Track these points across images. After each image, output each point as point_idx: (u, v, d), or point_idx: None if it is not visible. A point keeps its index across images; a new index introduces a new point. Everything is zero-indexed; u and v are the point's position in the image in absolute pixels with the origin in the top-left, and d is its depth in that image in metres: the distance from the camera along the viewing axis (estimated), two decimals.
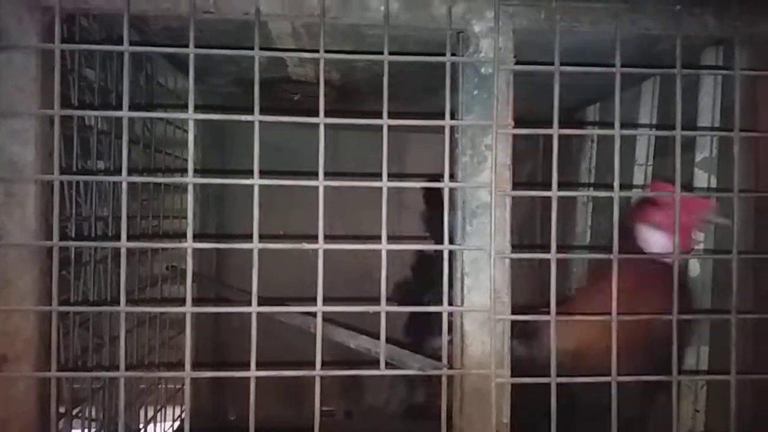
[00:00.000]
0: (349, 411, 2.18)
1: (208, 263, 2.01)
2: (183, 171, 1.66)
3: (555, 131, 0.87)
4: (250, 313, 0.81)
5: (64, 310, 0.81)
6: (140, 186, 1.49)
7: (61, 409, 1.07)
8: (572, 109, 1.94)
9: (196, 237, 0.82)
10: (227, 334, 2.06)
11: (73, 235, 1.12)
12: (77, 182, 1.17)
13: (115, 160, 1.29)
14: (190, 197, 0.81)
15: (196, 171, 0.82)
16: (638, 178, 1.66)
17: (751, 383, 1.05)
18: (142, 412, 1.55)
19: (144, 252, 1.51)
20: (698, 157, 1.39)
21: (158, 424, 1.66)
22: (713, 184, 1.36)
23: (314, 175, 0.81)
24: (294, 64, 1.23)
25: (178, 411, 1.72)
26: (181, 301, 0.81)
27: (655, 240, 1.21)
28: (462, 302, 0.89)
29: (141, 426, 1.54)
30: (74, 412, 1.09)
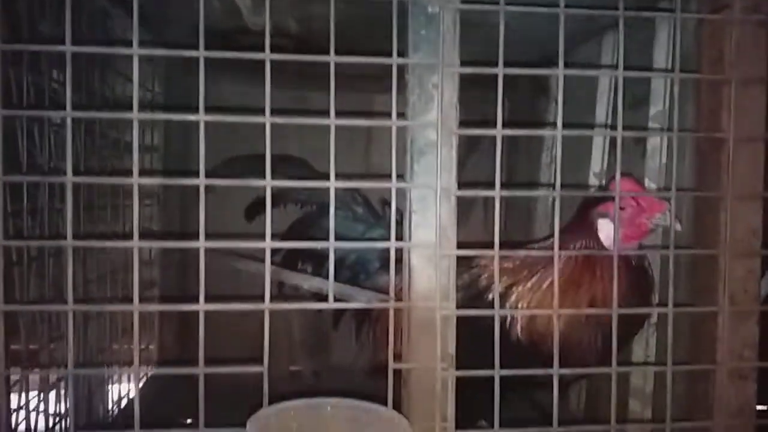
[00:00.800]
0: (317, 371, 2.21)
1: (172, 223, 2.00)
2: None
3: (500, 70, 0.88)
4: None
5: (10, 244, 0.80)
6: (98, 142, 1.48)
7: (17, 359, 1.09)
8: (534, 63, 1.95)
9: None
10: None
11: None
12: (30, 131, 1.16)
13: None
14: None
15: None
16: (598, 140, 1.69)
17: (692, 323, 1.10)
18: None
19: (103, 208, 1.50)
20: (652, 111, 1.43)
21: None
22: (665, 137, 1.39)
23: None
24: (248, 11, 1.23)
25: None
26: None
27: (607, 232, 1.24)
28: (409, 238, 0.91)
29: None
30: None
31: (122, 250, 1.55)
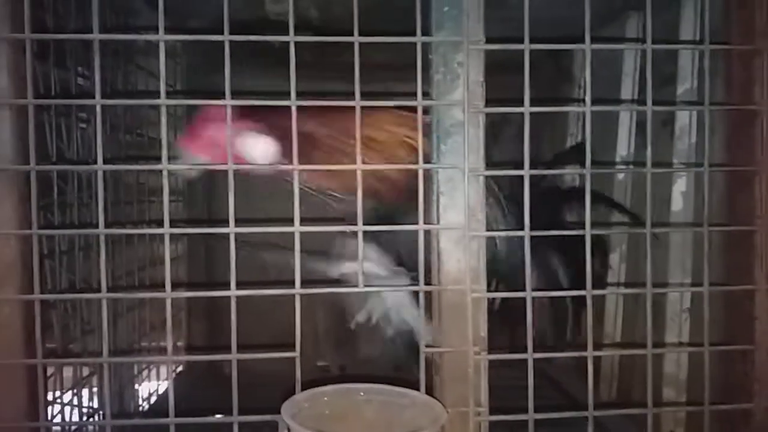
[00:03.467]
0: (343, 365, 2.20)
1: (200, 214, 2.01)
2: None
3: (526, 46, 0.87)
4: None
5: (44, 233, 0.81)
6: (124, 137, 1.50)
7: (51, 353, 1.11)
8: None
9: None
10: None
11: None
12: (58, 126, 1.18)
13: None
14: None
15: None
16: (624, 116, 1.66)
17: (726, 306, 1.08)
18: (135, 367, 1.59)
19: (129, 203, 1.51)
20: (680, 89, 1.40)
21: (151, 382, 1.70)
22: (694, 114, 1.37)
23: None
24: (270, 1, 1.23)
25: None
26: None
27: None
28: (438, 221, 0.90)
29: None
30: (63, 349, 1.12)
31: (149, 247, 1.57)
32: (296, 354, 0.83)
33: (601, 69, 1.61)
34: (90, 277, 1.24)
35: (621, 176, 1.65)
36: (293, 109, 0.83)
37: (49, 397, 1.10)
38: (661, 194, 1.41)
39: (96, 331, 1.23)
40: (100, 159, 0.79)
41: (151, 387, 1.69)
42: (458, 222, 0.89)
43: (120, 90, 1.49)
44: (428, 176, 0.90)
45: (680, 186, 1.41)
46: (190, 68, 1.93)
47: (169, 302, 0.83)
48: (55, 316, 1.12)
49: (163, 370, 1.73)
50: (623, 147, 1.67)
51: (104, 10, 1.36)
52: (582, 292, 0.91)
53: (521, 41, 0.86)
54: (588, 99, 0.89)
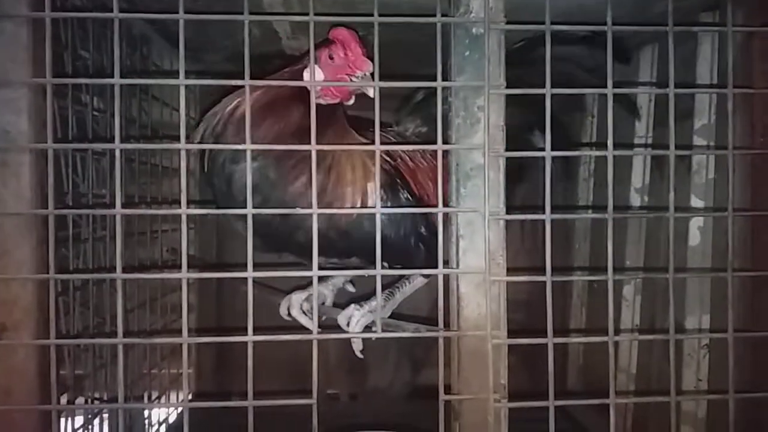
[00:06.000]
0: (354, 394, 2.18)
1: (209, 247, 2.01)
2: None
3: (548, 91, 0.87)
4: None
5: (61, 278, 0.80)
6: (138, 168, 1.50)
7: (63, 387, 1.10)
8: (570, 78, 1.91)
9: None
10: (230, 319, 2.05)
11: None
12: (74, 160, 1.17)
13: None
14: (183, 163, 0.81)
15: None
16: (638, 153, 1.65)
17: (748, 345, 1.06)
18: (145, 396, 1.58)
19: (143, 233, 1.52)
20: (697, 125, 1.39)
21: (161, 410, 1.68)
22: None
23: None
24: (287, 36, 1.23)
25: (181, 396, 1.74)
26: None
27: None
28: (457, 264, 0.89)
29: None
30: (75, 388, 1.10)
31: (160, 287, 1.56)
32: (313, 401, 0.82)
33: (616, 101, 1.61)
34: (103, 308, 1.24)
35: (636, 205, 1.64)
36: (313, 153, 0.82)
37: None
38: (678, 228, 1.39)
39: (107, 366, 1.23)
40: (118, 204, 0.78)
41: (162, 415, 1.68)
42: (478, 266, 0.88)
43: (135, 118, 1.50)
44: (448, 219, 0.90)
45: (698, 220, 1.39)
46: (204, 97, 1.94)
47: (185, 347, 0.82)
48: (67, 351, 1.11)
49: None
50: (638, 179, 1.66)
51: (121, 43, 1.37)
52: (604, 338, 0.89)
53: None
54: (610, 143, 0.88)
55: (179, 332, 0.79)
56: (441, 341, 0.87)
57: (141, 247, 1.53)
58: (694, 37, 1.37)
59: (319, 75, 1.11)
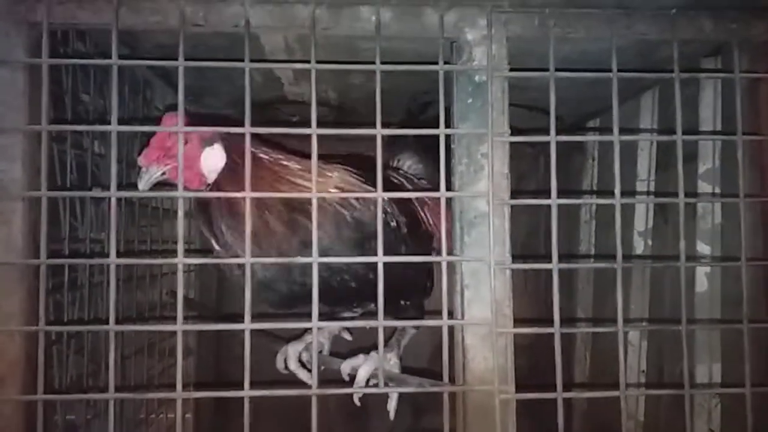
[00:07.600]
0: None
1: (209, 292, 1.99)
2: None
3: (552, 138, 0.85)
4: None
5: (51, 330, 0.78)
6: (137, 211, 1.48)
7: None
8: (572, 125, 1.92)
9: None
10: (228, 363, 2.02)
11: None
12: (72, 204, 1.16)
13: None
14: (180, 212, 0.79)
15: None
16: (642, 188, 1.63)
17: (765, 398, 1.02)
18: None
19: (143, 277, 1.49)
20: (701, 169, 1.37)
21: None
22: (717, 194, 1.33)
23: None
24: (289, 83, 1.23)
25: None
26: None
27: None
28: (462, 315, 0.86)
29: None
30: None
31: (158, 321, 1.53)
32: None
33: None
34: (98, 356, 1.20)
35: (639, 251, 1.61)
36: (314, 201, 0.80)
37: None
38: (685, 275, 1.36)
39: (101, 415, 1.18)
40: (112, 254, 0.76)
41: None
42: (484, 317, 0.85)
43: (134, 161, 1.48)
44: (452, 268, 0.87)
45: (704, 267, 1.37)
46: None
47: (179, 402, 0.78)
48: (59, 403, 1.08)
49: None
50: (641, 222, 1.64)
51: (123, 87, 1.37)
52: (615, 393, 0.86)
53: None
54: (617, 191, 0.86)
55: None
56: (446, 396, 0.83)
57: (141, 290, 1.50)
58: (696, 82, 1.36)
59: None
